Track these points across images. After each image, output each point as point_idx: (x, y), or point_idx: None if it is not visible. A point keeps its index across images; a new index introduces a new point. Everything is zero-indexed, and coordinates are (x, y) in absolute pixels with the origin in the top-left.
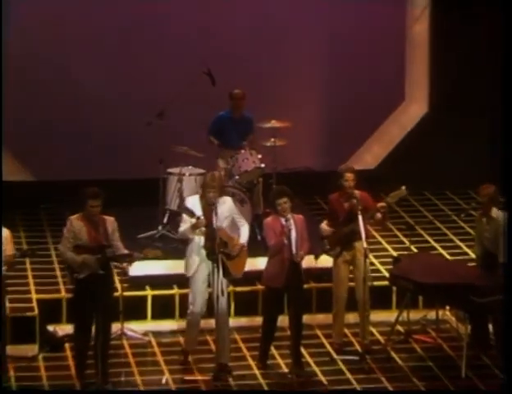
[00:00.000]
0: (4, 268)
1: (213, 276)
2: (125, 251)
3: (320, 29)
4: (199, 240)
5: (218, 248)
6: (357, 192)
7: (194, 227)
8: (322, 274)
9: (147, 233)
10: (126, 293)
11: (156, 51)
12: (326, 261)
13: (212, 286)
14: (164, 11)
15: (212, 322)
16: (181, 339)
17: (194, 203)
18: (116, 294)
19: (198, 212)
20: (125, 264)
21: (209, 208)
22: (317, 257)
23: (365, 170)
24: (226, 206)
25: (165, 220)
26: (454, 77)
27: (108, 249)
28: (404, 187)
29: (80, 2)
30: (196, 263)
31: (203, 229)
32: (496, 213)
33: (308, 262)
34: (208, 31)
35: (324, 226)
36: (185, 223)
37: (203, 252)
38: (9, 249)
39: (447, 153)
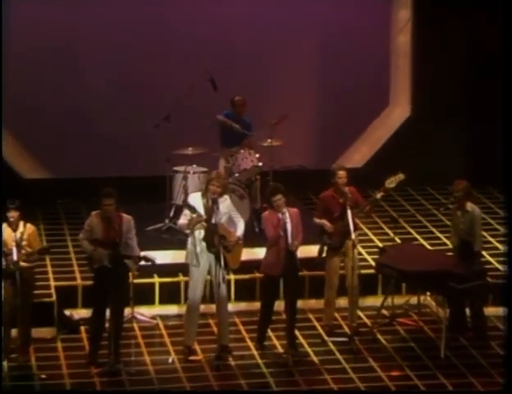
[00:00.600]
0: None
1: (214, 265)
2: (138, 253)
3: (313, 40)
4: (199, 233)
5: (217, 241)
6: (347, 188)
7: (190, 223)
8: (314, 263)
9: (155, 226)
10: (136, 281)
11: (164, 60)
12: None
13: (211, 274)
14: (169, 20)
15: (213, 308)
16: (182, 329)
17: (195, 199)
18: (128, 281)
19: (199, 207)
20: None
21: (210, 204)
22: (321, 252)
23: (353, 168)
24: (224, 204)
25: (171, 214)
26: (434, 84)
27: (119, 248)
28: (401, 173)
29: (92, 5)
30: (196, 254)
31: (204, 223)
32: (470, 206)
33: (302, 252)
34: (211, 40)
35: (325, 222)
36: (185, 218)
37: (203, 244)
38: (36, 244)
39: (427, 153)
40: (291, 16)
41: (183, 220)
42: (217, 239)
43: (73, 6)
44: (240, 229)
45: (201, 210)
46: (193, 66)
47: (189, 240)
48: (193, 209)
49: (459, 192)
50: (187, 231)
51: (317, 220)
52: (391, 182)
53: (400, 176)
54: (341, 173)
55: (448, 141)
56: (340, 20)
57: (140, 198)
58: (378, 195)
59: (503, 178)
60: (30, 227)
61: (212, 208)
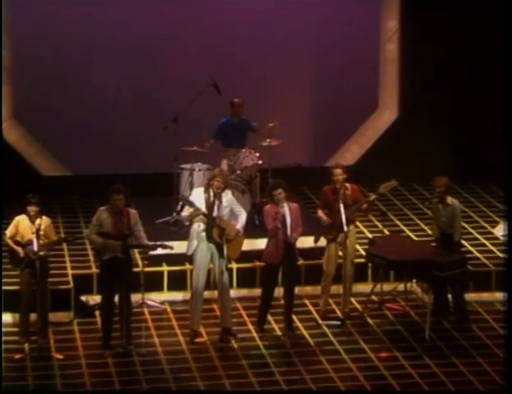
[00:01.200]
0: (46, 250)
1: (216, 255)
2: (146, 242)
3: (309, 48)
4: (198, 225)
5: (216, 233)
6: (348, 185)
7: (189, 216)
8: (311, 253)
9: (163, 219)
10: (147, 269)
11: (173, 64)
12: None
13: (214, 263)
14: (176, 30)
15: (216, 294)
16: (188, 313)
17: (199, 194)
18: (138, 270)
19: (201, 202)
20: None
21: (212, 198)
22: (316, 240)
23: (346, 165)
24: (226, 198)
25: (178, 208)
26: (420, 89)
27: (129, 239)
28: (394, 180)
29: (107, 11)
30: (195, 245)
31: (202, 216)
32: (450, 200)
33: (301, 242)
34: (214, 47)
35: (322, 215)
36: (186, 211)
37: (203, 235)
38: (52, 235)
39: (414, 152)
40: (289, 25)
41: (185, 213)
42: (215, 231)
43: (88, 10)
44: (241, 222)
45: (202, 204)
46: (200, 71)
47: (190, 231)
48: (190, 204)
49: (440, 187)
50: (186, 223)
51: (320, 212)
52: (385, 188)
53: (393, 183)
54: (337, 171)
55: (432, 141)
56: (333, 29)
57: (150, 193)
58: (372, 198)
59: (504, 175)
60: (47, 220)
61: (213, 203)
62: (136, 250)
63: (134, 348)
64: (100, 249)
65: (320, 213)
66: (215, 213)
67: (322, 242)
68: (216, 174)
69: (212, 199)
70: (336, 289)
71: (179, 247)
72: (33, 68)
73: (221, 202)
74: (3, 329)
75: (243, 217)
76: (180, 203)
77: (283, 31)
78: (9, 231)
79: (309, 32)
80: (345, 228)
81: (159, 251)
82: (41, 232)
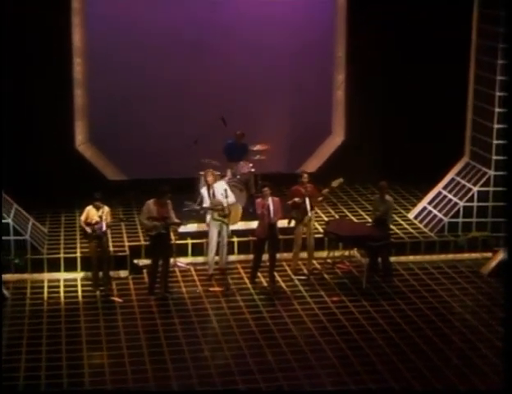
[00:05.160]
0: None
1: (221, 228)
2: (176, 221)
3: (284, 92)
4: (211, 212)
5: (217, 213)
6: (309, 185)
7: (211, 207)
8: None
9: (188, 208)
10: (178, 242)
11: (194, 100)
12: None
13: (221, 235)
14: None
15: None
16: (207, 267)
17: (204, 191)
18: (172, 242)
19: (206, 193)
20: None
21: (210, 189)
22: (289, 222)
23: (310, 172)
24: (219, 185)
25: (198, 201)
26: (359, 123)
27: (167, 220)
28: (341, 178)
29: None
30: (208, 222)
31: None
32: (387, 197)
33: (280, 224)
34: (220, 91)
35: (295, 200)
36: (206, 203)
37: (210, 217)
38: (109, 218)
39: (356, 163)
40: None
41: (205, 204)
42: (216, 213)
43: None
44: (231, 199)
45: (206, 196)
46: (210, 111)
47: (206, 215)
48: (196, 207)
49: (381, 188)
50: (201, 212)
51: (289, 203)
52: (335, 183)
53: (341, 180)
54: (305, 175)
55: (366, 156)
56: (302, 79)
57: (181, 190)
58: (325, 191)
59: (507, 171)
60: (106, 208)
61: (210, 192)
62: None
63: (169, 294)
64: (150, 228)
65: (289, 203)
66: (213, 198)
67: (293, 223)
68: (207, 173)
69: (210, 190)
70: (304, 255)
71: (197, 227)
72: (102, 107)
73: (213, 190)
74: (84, 282)
75: (232, 197)
76: (199, 198)
77: (265, 74)
78: (83, 216)
79: (283, 82)
80: (309, 213)
81: (184, 229)
82: (103, 217)
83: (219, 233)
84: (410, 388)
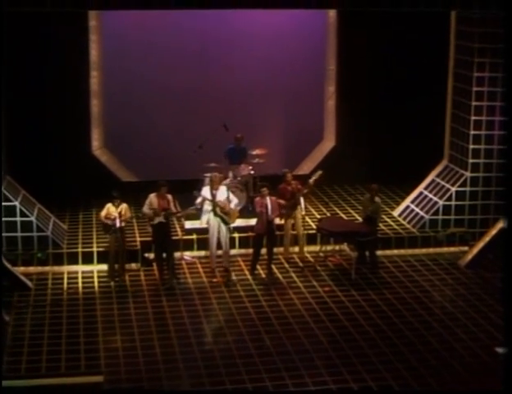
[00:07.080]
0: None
1: (221, 225)
2: (174, 211)
3: (283, 96)
4: (206, 208)
5: (219, 209)
6: (294, 182)
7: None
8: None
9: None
10: (184, 237)
11: (201, 113)
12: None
13: (220, 231)
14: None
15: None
16: (210, 261)
17: (207, 188)
18: (179, 238)
19: (208, 192)
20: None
21: (213, 191)
22: (281, 217)
23: (304, 174)
24: (221, 190)
25: (199, 201)
26: (348, 130)
27: (168, 211)
28: (320, 170)
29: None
30: (206, 219)
31: (208, 203)
32: (377, 199)
33: (277, 221)
34: (222, 99)
35: (281, 202)
36: (199, 199)
37: (211, 213)
38: (128, 214)
39: (346, 165)
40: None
41: (198, 200)
42: (218, 209)
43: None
44: (233, 203)
45: (209, 194)
46: (214, 118)
47: (203, 216)
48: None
49: (372, 190)
50: (198, 207)
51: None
52: (315, 175)
53: (320, 172)
54: (289, 175)
55: (355, 160)
56: (296, 88)
57: (185, 190)
58: (309, 182)
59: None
60: (124, 205)
61: (213, 194)
62: (177, 224)
63: (176, 283)
64: (151, 217)
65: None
66: (216, 199)
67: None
68: (212, 179)
69: (213, 191)
70: (296, 249)
71: (201, 223)
72: (116, 115)
73: (216, 193)
74: (101, 274)
75: (235, 201)
76: (201, 197)
77: (262, 82)
78: (103, 212)
79: (279, 91)
80: (302, 205)
81: (190, 225)
82: (122, 213)
83: (219, 231)
84: (394, 367)
